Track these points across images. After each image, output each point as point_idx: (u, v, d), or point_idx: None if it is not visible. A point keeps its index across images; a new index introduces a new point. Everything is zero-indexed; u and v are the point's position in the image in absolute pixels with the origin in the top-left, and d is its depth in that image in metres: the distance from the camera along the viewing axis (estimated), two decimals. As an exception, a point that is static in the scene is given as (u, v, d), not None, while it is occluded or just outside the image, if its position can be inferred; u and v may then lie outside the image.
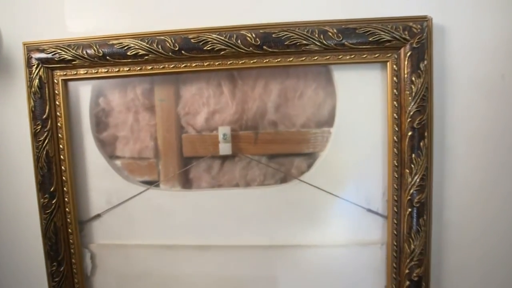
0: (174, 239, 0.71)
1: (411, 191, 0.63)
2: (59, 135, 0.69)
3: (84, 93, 0.71)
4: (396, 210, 0.65)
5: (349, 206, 0.68)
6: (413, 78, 0.61)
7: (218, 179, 0.70)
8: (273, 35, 0.61)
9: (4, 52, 0.71)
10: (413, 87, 0.61)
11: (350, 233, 0.68)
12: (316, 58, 0.63)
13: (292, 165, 0.69)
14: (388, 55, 0.63)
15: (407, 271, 0.65)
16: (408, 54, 0.61)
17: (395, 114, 0.63)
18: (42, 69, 0.67)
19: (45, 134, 0.67)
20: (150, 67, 0.66)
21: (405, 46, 0.61)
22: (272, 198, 0.69)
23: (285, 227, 0.69)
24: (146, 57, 0.64)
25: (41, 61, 0.67)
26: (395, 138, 0.63)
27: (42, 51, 0.66)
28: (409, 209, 0.63)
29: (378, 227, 0.68)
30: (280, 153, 0.69)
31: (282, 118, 0.68)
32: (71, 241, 0.71)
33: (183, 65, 0.65)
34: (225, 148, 0.68)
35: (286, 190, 0.68)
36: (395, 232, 0.66)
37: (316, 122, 0.67)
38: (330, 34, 0.61)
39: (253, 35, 0.62)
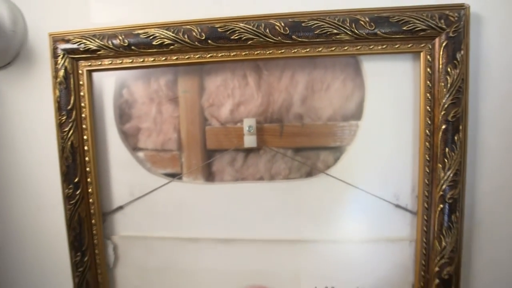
0: (196, 232, 0.71)
1: (444, 186, 0.62)
2: (83, 126, 0.69)
3: (108, 84, 0.71)
4: (426, 206, 0.64)
5: (377, 202, 0.67)
6: (449, 69, 0.59)
7: (241, 172, 0.69)
8: (303, 24, 0.60)
9: (29, 43, 0.72)
10: (448, 78, 0.59)
11: (378, 229, 0.67)
12: (346, 48, 0.62)
13: (318, 158, 0.67)
14: (422, 45, 0.61)
15: (437, 269, 0.63)
16: (444, 44, 0.59)
17: (428, 107, 0.62)
18: (67, 60, 0.67)
19: (70, 125, 0.68)
20: (175, 57, 0.65)
21: (440, 35, 0.59)
22: (297, 192, 0.68)
23: (310, 221, 0.68)
24: (172, 46, 0.64)
25: (67, 51, 0.67)
26: (427, 131, 0.62)
27: (68, 41, 0.67)
28: (441, 205, 0.62)
29: (406, 224, 0.67)
30: (306, 147, 0.67)
31: (308, 110, 0.67)
32: (94, 232, 0.71)
33: (209, 55, 0.64)
34: (250, 141, 0.67)
35: (312, 184, 0.67)
36: (425, 229, 0.65)
37: (343, 115, 0.66)
38: (362, 23, 0.59)
39: (282, 24, 0.61)
